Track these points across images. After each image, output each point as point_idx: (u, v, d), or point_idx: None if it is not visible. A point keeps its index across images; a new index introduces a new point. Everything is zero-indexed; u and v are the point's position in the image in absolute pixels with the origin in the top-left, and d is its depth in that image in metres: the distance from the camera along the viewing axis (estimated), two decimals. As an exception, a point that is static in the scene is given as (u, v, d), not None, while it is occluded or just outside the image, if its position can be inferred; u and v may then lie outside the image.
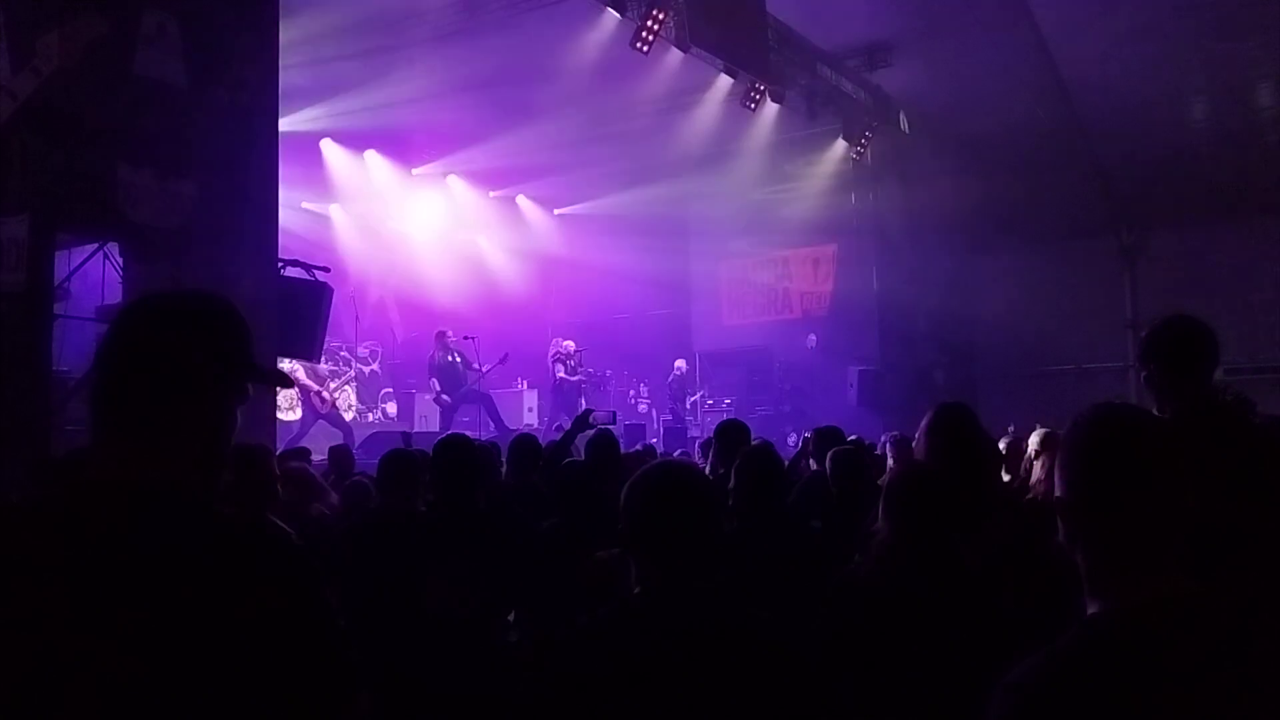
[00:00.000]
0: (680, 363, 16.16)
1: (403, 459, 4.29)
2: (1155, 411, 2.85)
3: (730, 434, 5.29)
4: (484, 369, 13.45)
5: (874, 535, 2.99)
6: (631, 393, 16.56)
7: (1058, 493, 1.50)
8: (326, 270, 8.76)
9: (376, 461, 4.42)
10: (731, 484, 3.87)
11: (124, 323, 1.51)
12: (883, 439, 7.81)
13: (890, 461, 6.24)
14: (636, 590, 1.99)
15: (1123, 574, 1.40)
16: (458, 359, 13.21)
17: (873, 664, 2.69)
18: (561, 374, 14.07)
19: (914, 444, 3.53)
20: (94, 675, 1.32)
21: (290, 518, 3.78)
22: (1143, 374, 2.94)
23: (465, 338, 13.36)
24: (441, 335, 13.24)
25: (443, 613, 3.62)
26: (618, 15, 10.66)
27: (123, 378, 1.47)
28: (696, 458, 7.74)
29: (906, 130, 15.50)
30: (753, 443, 5.52)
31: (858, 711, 2.60)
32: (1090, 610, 1.42)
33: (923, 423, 3.41)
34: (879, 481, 3.89)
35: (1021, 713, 1.34)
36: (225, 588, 1.39)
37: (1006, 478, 5.24)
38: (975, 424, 3.42)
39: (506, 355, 14.04)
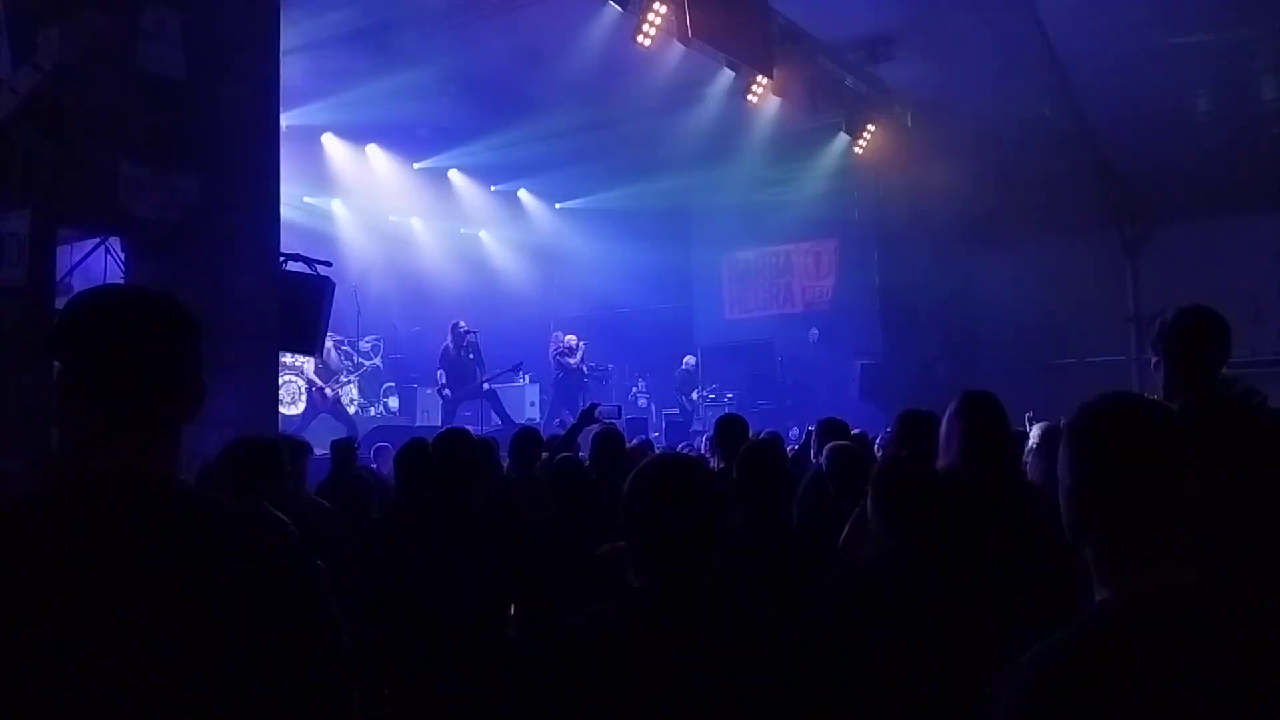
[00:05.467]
0: (689, 359, 16.19)
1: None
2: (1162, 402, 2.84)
3: (729, 429, 5.29)
4: (497, 373, 13.48)
5: (866, 527, 2.99)
6: (633, 389, 16.56)
7: (1064, 482, 1.49)
8: (328, 265, 8.75)
9: (377, 456, 4.41)
10: (734, 477, 3.86)
11: (96, 315, 1.51)
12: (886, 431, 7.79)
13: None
14: (637, 584, 1.99)
15: (1130, 564, 1.41)
16: (471, 355, 13.22)
17: (873, 655, 2.68)
18: (561, 369, 14.09)
19: (940, 432, 3.45)
20: (93, 666, 1.32)
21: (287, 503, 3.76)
22: (1152, 362, 2.91)
23: (466, 332, 13.37)
24: (456, 328, 13.23)
25: (442, 608, 3.62)
26: (619, 8, 10.63)
27: (109, 373, 1.48)
28: (703, 452, 7.73)
29: (909, 124, 15.45)
30: (756, 436, 5.53)
31: (859, 704, 2.60)
32: (1099, 598, 1.42)
33: (949, 410, 3.33)
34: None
35: (1031, 697, 1.35)
36: (222, 577, 1.39)
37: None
38: (1003, 412, 3.36)
39: (520, 364, 14.07)
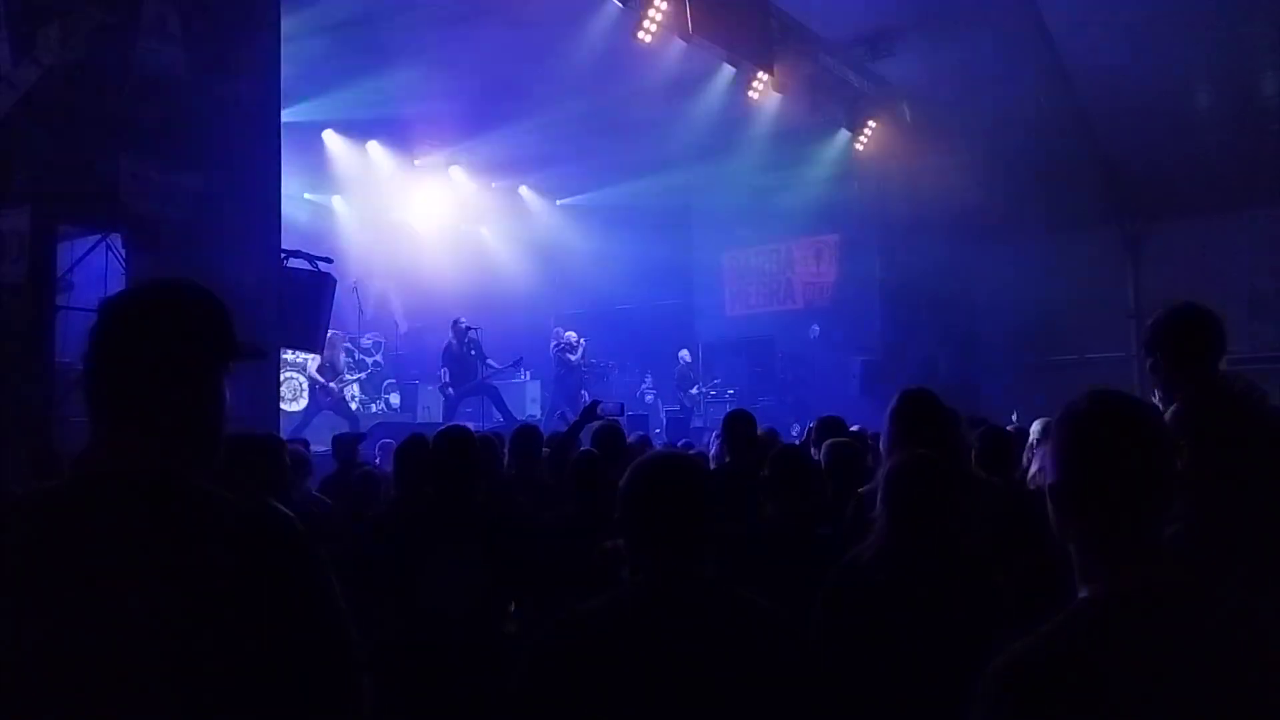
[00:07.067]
0: (684, 353, 16.18)
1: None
2: (1158, 401, 2.84)
3: (737, 424, 5.28)
4: (499, 368, 13.49)
5: (871, 523, 3.00)
6: (641, 385, 16.55)
7: (1049, 478, 1.50)
8: (329, 261, 8.76)
9: (380, 452, 4.41)
10: (765, 475, 3.90)
11: (114, 316, 1.52)
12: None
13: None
14: (632, 578, 2.00)
15: (1111, 561, 1.42)
16: (473, 352, 13.22)
17: (873, 650, 2.69)
18: (562, 365, 14.08)
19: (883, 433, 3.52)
20: (99, 659, 1.33)
21: (288, 502, 3.77)
22: (1148, 362, 2.91)
23: (468, 328, 13.38)
24: (458, 324, 13.24)
25: (440, 605, 3.62)
26: (620, 5, 10.62)
27: (119, 370, 1.49)
28: (711, 447, 7.71)
29: (909, 120, 15.44)
30: (759, 432, 5.55)
31: (858, 698, 2.60)
32: (1080, 595, 1.43)
33: (888, 410, 3.40)
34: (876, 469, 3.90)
35: (1007, 696, 1.35)
36: (228, 572, 1.40)
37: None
38: (937, 408, 3.41)
39: (520, 359, 14.07)
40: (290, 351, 10.86)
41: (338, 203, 15.42)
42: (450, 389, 13.01)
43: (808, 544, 3.60)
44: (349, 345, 14.11)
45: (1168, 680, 1.31)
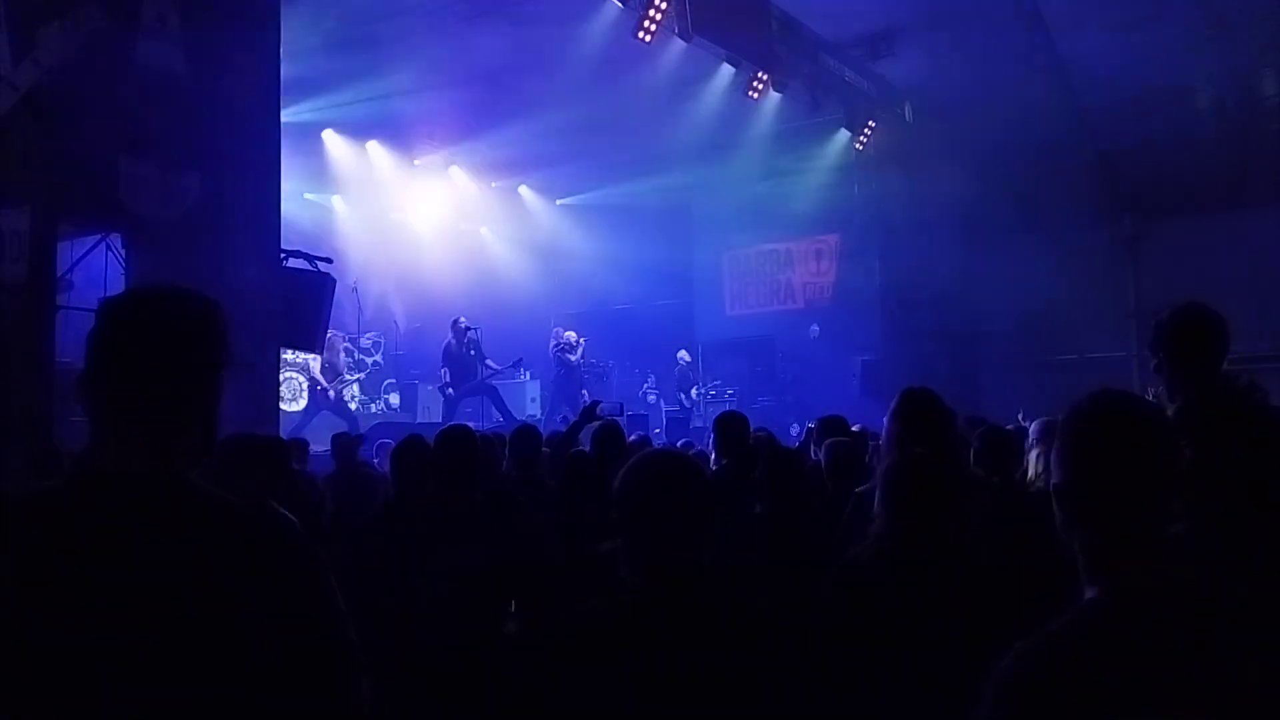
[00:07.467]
0: (683, 353, 16.17)
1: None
2: (1154, 398, 2.84)
3: (729, 426, 5.25)
4: (498, 368, 13.49)
5: (858, 520, 3.00)
6: (645, 384, 16.54)
7: (1054, 479, 1.50)
8: (329, 261, 8.76)
9: (379, 452, 4.41)
10: (758, 475, 3.91)
11: (114, 318, 1.52)
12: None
13: None
14: (629, 577, 1.99)
15: (1115, 560, 1.42)
16: (473, 352, 13.22)
17: (872, 650, 2.69)
18: (562, 365, 14.08)
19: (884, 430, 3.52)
20: (101, 658, 1.33)
21: (291, 504, 3.77)
22: (1152, 363, 2.90)
23: (468, 328, 13.38)
24: (457, 324, 13.24)
25: (440, 605, 3.62)
26: (620, 5, 10.63)
27: (118, 371, 1.49)
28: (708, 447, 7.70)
29: (909, 120, 15.44)
30: (754, 432, 5.54)
31: (857, 699, 2.60)
32: (1087, 595, 1.43)
33: (890, 409, 3.39)
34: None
35: (1013, 696, 1.35)
36: (227, 572, 1.40)
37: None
38: (939, 407, 3.40)
39: (520, 359, 14.07)
40: (291, 351, 10.85)
41: (338, 203, 15.41)
42: (450, 389, 13.01)
43: (803, 544, 3.60)
44: (349, 345, 14.10)
45: (1173, 680, 1.31)
